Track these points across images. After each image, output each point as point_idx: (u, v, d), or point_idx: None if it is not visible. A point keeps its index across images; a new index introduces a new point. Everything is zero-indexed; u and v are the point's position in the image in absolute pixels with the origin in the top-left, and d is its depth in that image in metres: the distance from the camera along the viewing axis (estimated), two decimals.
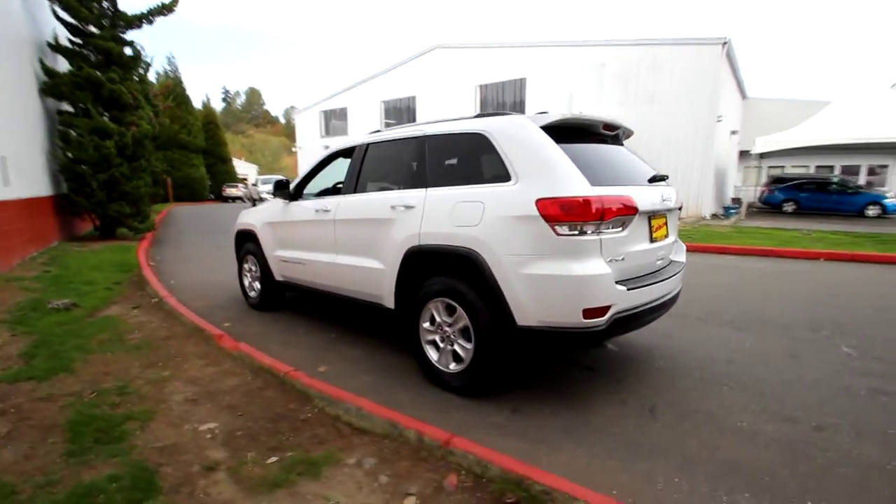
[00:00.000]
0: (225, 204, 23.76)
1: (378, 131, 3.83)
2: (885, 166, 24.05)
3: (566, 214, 2.43)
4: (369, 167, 3.69)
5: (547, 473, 1.94)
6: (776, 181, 19.70)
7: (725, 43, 15.02)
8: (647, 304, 2.74)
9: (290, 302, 5.12)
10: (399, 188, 3.33)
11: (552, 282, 2.46)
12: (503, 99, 19.79)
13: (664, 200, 3.03)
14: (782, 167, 23.96)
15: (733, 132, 19.18)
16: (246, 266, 5.10)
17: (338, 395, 2.70)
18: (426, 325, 3.08)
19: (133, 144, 9.66)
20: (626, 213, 2.58)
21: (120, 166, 9.40)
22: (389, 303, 3.32)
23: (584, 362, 3.42)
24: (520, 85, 19.24)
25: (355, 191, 3.68)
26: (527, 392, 2.93)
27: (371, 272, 3.41)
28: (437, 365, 3.04)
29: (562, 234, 2.45)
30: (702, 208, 16.04)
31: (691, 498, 1.93)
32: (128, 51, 10.18)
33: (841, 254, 7.94)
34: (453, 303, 2.87)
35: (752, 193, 20.27)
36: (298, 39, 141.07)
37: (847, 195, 17.65)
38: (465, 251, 2.73)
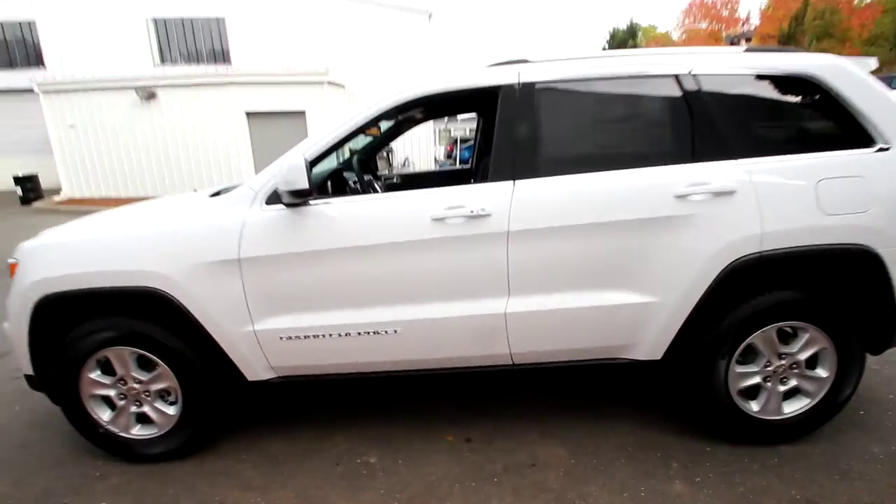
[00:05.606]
0: None
1: (524, 61, 2.10)
2: None
3: None
4: (555, 129, 2.05)
5: None
6: (462, 140, 23.54)
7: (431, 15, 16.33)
8: None
9: None
10: (657, 163, 1.98)
11: None
12: (196, 45, 15.35)
13: None
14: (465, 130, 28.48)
15: None
16: (95, 378, 2.13)
17: None
18: (738, 369, 2.07)
19: None
20: None
21: None
22: (652, 352, 2.06)
23: None
24: (217, 26, 15.28)
25: (538, 174, 1.98)
26: None
27: (614, 311, 2.01)
28: (760, 416, 2.11)
29: None
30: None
31: None
32: None
33: None
34: (803, 324, 2.00)
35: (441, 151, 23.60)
36: None
37: None
38: (856, 249, 1.90)
